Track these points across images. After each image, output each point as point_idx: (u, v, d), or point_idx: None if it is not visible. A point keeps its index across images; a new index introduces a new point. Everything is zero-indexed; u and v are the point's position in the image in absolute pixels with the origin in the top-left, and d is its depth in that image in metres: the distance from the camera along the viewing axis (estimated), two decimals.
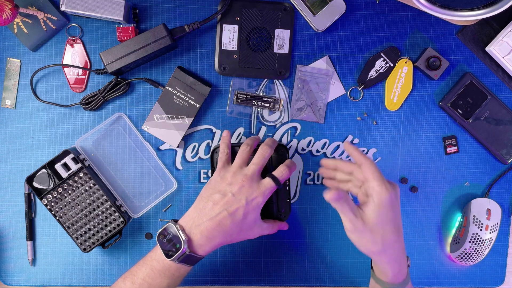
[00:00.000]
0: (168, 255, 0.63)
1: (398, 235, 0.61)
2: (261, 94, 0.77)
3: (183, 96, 0.74)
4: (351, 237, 0.61)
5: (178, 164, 0.78)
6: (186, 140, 0.78)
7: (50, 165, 0.73)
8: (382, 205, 0.58)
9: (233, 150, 0.71)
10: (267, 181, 0.66)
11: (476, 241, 0.78)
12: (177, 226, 0.64)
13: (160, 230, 0.65)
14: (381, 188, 0.58)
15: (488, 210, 0.79)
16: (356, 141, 0.79)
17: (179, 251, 0.62)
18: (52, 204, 0.74)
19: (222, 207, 0.63)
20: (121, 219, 0.75)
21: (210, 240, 0.63)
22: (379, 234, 0.59)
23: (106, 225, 0.75)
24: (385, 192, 0.58)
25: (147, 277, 0.64)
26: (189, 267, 0.66)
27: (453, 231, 0.82)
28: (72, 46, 0.75)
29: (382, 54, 0.77)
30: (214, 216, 0.63)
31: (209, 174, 0.79)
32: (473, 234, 0.78)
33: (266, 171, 0.68)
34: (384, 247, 0.60)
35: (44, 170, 0.73)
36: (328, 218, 0.81)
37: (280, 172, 0.67)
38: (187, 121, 0.75)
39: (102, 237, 0.75)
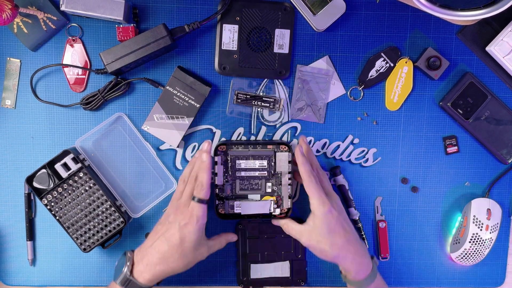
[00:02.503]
0: (115, 278, 0.68)
1: (347, 238, 0.69)
2: (261, 94, 0.77)
3: (183, 96, 0.74)
4: (308, 248, 0.71)
5: (178, 164, 0.78)
6: (186, 140, 0.78)
7: (50, 165, 0.73)
8: (322, 218, 0.68)
9: (229, 147, 0.75)
10: (192, 203, 0.67)
11: (476, 241, 0.78)
12: (129, 252, 0.68)
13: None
14: (319, 203, 0.67)
15: (488, 210, 0.78)
16: (356, 141, 0.79)
17: (122, 273, 0.66)
18: (52, 204, 0.74)
19: (160, 234, 0.67)
20: (121, 219, 0.75)
21: (150, 267, 0.66)
22: (328, 242, 0.68)
23: (106, 225, 0.75)
24: (322, 207, 0.67)
25: None
26: None
27: (453, 231, 0.82)
28: (72, 46, 0.75)
29: (382, 54, 0.76)
30: (153, 242, 0.67)
31: None
32: (473, 234, 0.78)
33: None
34: (336, 252, 0.68)
35: (44, 170, 0.73)
36: None
37: (197, 190, 0.68)
38: (187, 121, 0.75)
39: (102, 237, 0.75)
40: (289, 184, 0.74)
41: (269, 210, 0.74)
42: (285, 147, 0.74)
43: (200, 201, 0.67)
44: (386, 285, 0.74)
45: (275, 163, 0.74)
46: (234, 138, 0.78)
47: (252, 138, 0.78)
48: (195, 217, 0.66)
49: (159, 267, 0.66)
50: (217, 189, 0.74)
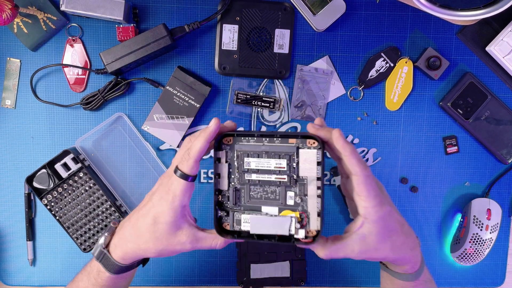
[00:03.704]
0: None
1: (404, 232, 0.55)
2: (261, 94, 0.77)
3: (183, 96, 0.74)
4: (361, 258, 0.54)
5: None
6: None
7: (50, 165, 0.73)
8: (379, 221, 0.51)
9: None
10: (173, 176, 0.53)
11: (476, 241, 0.78)
12: (112, 222, 0.60)
13: None
14: (375, 204, 0.50)
15: (488, 210, 0.78)
16: (356, 141, 0.79)
17: (97, 244, 0.58)
18: (52, 204, 0.74)
19: (139, 207, 0.57)
20: (121, 219, 0.75)
21: (122, 242, 0.57)
22: (388, 247, 0.53)
23: (106, 225, 0.75)
24: (380, 209, 0.50)
25: (77, 276, 0.61)
26: (109, 276, 0.58)
27: (454, 231, 0.82)
28: (72, 46, 0.75)
29: (382, 54, 0.76)
30: (132, 215, 0.57)
31: (209, 174, 0.79)
32: (473, 234, 0.78)
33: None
34: (398, 253, 0.55)
35: (44, 170, 0.73)
36: (328, 217, 0.81)
37: (182, 160, 0.53)
38: (187, 121, 0.75)
39: None
40: (318, 196, 0.52)
41: (289, 231, 0.52)
42: (313, 142, 0.52)
43: (182, 175, 0.52)
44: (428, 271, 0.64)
45: (297, 164, 0.52)
46: None
47: None
48: (171, 194, 0.53)
49: (130, 245, 0.56)
50: (219, 196, 0.54)
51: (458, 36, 0.78)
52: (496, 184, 0.81)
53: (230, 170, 0.54)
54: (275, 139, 0.53)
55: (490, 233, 0.78)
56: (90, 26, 0.75)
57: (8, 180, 0.77)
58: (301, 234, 0.52)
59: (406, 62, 0.77)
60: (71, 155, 0.73)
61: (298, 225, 0.52)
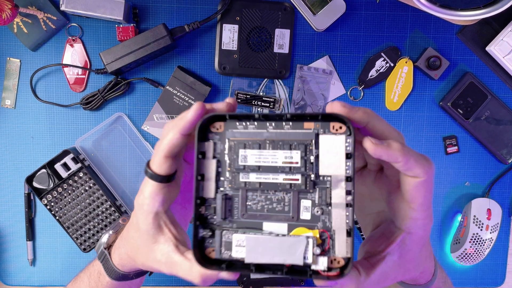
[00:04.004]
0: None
1: (429, 247, 0.45)
2: (261, 94, 0.77)
3: (183, 96, 0.74)
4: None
5: None
6: None
7: (50, 165, 0.73)
8: (424, 240, 0.40)
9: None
10: (145, 177, 0.42)
11: (477, 241, 0.78)
12: (121, 218, 0.57)
13: None
14: (425, 216, 0.38)
15: (489, 210, 0.78)
16: None
17: (100, 243, 0.53)
18: (52, 204, 0.74)
19: None
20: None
21: (119, 244, 0.49)
22: (419, 265, 0.43)
23: (106, 225, 0.75)
24: (429, 223, 0.39)
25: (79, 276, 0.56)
26: (109, 282, 0.51)
27: (454, 231, 0.82)
28: (72, 45, 0.75)
29: (382, 53, 0.76)
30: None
31: None
32: (474, 234, 0.78)
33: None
34: (421, 268, 0.45)
35: (44, 170, 0.73)
36: None
37: (152, 156, 0.41)
38: None
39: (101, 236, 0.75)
40: (348, 205, 0.36)
41: (305, 259, 0.36)
42: (339, 127, 0.36)
43: (151, 175, 0.40)
44: (444, 271, 0.54)
45: (317, 157, 0.37)
46: None
47: None
48: (141, 198, 0.41)
49: (123, 250, 0.48)
50: (202, 207, 0.38)
51: (458, 36, 0.77)
52: (496, 184, 0.81)
53: (219, 169, 0.38)
54: (284, 123, 0.37)
55: (490, 233, 0.78)
56: (90, 26, 0.75)
57: (8, 180, 0.77)
58: (322, 263, 0.35)
59: (406, 62, 0.77)
60: (71, 155, 0.73)
61: (318, 250, 0.35)
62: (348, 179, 0.36)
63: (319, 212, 0.37)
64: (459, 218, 0.81)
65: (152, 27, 0.71)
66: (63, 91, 0.76)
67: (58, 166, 0.73)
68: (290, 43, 0.76)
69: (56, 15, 0.73)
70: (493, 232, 0.78)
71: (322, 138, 0.37)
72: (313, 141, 0.37)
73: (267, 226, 0.38)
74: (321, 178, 0.37)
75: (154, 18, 0.75)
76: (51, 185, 0.73)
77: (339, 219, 0.36)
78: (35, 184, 0.73)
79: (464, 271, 0.83)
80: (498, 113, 0.78)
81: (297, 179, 0.37)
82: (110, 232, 0.52)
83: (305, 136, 0.37)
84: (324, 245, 0.36)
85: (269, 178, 0.38)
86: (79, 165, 0.73)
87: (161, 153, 0.39)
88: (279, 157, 0.37)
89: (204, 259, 0.38)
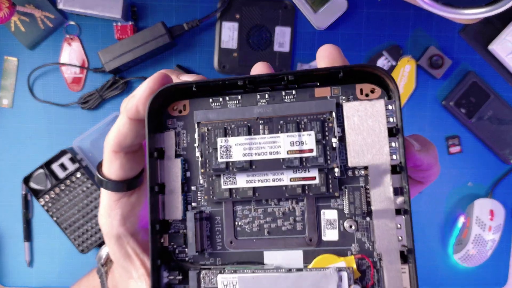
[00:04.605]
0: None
1: None
2: None
3: None
4: None
5: None
6: None
7: (47, 165, 0.72)
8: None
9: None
10: None
11: (479, 242, 0.77)
12: None
13: None
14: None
15: (491, 210, 0.78)
16: None
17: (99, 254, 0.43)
18: (50, 204, 0.73)
19: None
20: None
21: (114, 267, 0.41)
22: None
23: None
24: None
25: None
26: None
27: (456, 232, 0.81)
28: (69, 44, 0.74)
29: (384, 52, 0.76)
30: None
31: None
32: (476, 235, 0.77)
33: None
34: None
35: (41, 170, 0.73)
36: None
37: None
38: None
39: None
40: (401, 212, 0.24)
41: None
42: (370, 89, 0.25)
43: (100, 181, 0.29)
44: None
45: (342, 140, 0.25)
46: None
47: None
48: (99, 220, 0.31)
49: (116, 272, 0.38)
50: (165, 237, 0.26)
51: (460, 34, 0.77)
52: (499, 184, 0.80)
53: (188, 173, 0.26)
54: (283, 92, 0.25)
55: (493, 234, 0.78)
56: (88, 25, 0.74)
57: (5, 180, 0.76)
58: None
59: (408, 61, 0.76)
60: (69, 155, 0.72)
61: None
62: (396, 168, 0.24)
63: (352, 228, 0.24)
64: (461, 218, 0.81)
65: (150, 26, 0.71)
66: (61, 90, 0.75)
67: (55, 166, 0.72)
68: (290, 41, 0.75)
69: (54, 14, 0.72)
70: (495, 233, 0.78)
71: (348, 107, 0.24)
72: (334, 114, 0.24)
73: (271, 256, 0.24)
74: (351, 172, 0.24)
75: (153, 16, 0.74)
76: (49, 186, 0.73)
77: (387, 236, 0.23)
78: (32, 185, 0.73)
79: (466, 272, 0.82)
80: (501, 113, 0.77)
81: (314, 177, 0.24)
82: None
83: (320, 107, 0.24)
84: (365, 279, 0.23)
85: (268, 180, 0.24)
86: (77, 165, 0.72)
87: (107, 148, 0.28)
88: (282, 143, 0.24)
89: None
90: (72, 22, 0.74)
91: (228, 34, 0.74)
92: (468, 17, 0.64)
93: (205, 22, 0.73)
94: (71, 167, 0.72)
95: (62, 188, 0.73)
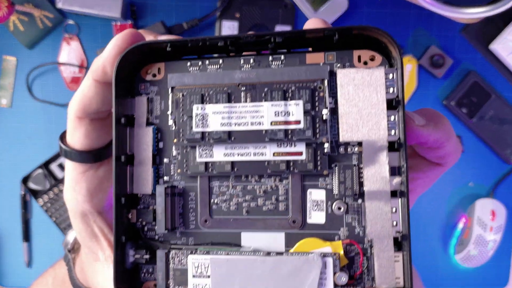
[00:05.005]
0: None
1: None
2: None
3: None
4: None
5: None
6: None
7: (46, 165, 0.72)
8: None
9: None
10: None
11: (480, 243, 0.77)
12: None
13: None
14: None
15: (493, 211, 0.77)
16: None
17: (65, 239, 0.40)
18: (48, 204, 0.73)
19: None
20: None
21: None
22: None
23: None
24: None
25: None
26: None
27: (457, 232, 0.81)
28: (68, 43, 0.74)
29: None
30: None
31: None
32: (477, 235, 0.77)
33: None
34: None
35: (40, 170, 0.72)
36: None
37: None
38: None
39: None
40: (396, 194, 0.21)
41: None
42: (369, 56, 0.22)
43: (65, 151, 0.28)
44: None
45: (334, 111, 0.22)
46: None
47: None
48: (64, 195, 0.28)
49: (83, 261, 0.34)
50: (132, 213, 0.24)
51: (461, 34, 0.76)
52: (501, 184, 0.80)
53: (160, 144, 0.24)
54: (271, 58, 0.23)
55: (494, 234, 0.77)
56: (87, 24, 0.74)
57: (3, 180, 0.76)
58: None
59: (409, 60, 0.76)
60: None
61: (344, 278, 0.21)
62: (394, 145, 0.21)
63: (341, 210, 0.21)
64: (462, 219, 0.80)
65: (150, 25, 0.70)
66: (60, 90, 0.75)
67: (54, 166, 0.72)
68: None
69: (53, 13, 0.72)
70: (497, 233, 0.77)
71: (343, 75, 0.21)
72: (326, 82, 0.21)
73: (249, 238, 0.22)
74: (343, 148, 0.22)
75: (152, 15, 0.74)
76: (48, 186, 0.72)
77: (380, 220, 0.21)
78: (31, 185, 0.73)
79: (467, 272, 0.82)
80: (502, 112, 0.77)
81: (300, 153, 0.21)
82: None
83: (311, 74, 0.21)
84: (353, 267, 0.21)
85: (249, 153, 0.22)
86: None
87: (71, 113, 0.26)
88: (266, 113, 0.21)
89: None
90: (71, 22, 0.73)
91: (228, 33, 0.74)
92: (469, 16, 0.64)
93: (205, 21, 0.73)
94: None
95: (61, 188, 0.72)
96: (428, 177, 0.27)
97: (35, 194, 0.73)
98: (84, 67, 0.73)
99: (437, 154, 0.26)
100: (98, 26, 0.74)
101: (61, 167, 0.72)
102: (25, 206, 0.75)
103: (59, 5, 0.69)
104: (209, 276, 0.21)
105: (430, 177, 0.27)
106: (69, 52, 0.74)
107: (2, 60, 0.74)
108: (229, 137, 0.22)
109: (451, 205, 0.80)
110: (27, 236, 0.76)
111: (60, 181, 0.72)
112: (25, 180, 0.73)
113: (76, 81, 0.74)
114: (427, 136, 0.23)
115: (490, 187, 0.80)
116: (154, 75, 0.24)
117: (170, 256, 0.22)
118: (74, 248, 0.36)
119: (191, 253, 0.22)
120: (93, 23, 0.74)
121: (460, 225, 0.80)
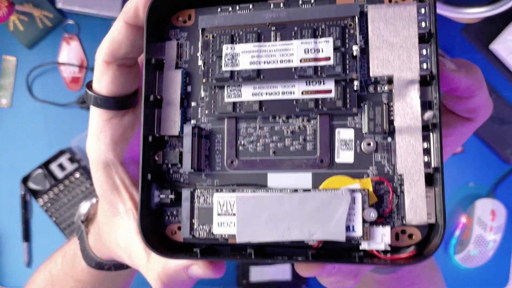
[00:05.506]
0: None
1: None
2: None
3: None
4: None
5: None
6: None
7: (46, 165, 0.72)
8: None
9: None
10: None
11: (480, 243, 0.77)
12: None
13: None
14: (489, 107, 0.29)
15: (493, 211, 0.77)
16: None
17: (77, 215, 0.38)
18: (48, 205, 0.73)
19: None
20: None
21: (96, 220, 0.36)
22: None
23: None
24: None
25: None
26: (84, 269, 0.36)
27: (457, 232, 0.81)
28: (68, 43, 0.74)
29: None
30: None
31: None
32: (477, 235, 0.77)
33: None
34: None
35: (40, 170, 0.72)
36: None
37: None
38: None
39: None
40: (428, 128, 0.21)
41: (348, 231, 0.20)
42: None
43: (91, 98, 0.28)
44: None
45: (365, 48, 0.22)
46: None
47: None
48: (87, 146, 0.30)
49: (98, 227, 0.33)
50: (159, 154, 0.24)
51: (462, 33, 0.77)
52: (501, 184, 0.80)
53: (189, 87, 0.24)
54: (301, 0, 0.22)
55: (494, 234, 0.77)
56: (87, 24, 0.74)
57: (3, 180, 0.76)
58: (381, 239, 0.20)
59: None
60: (68, 155, 0.72)
61: (372, 214, 0.20)
62: (426, 79, 0.21)
63: (371, 145, 0.21)
64: (462, 219, 0.80)
65: None
66: (60, 89, 0.75)
67: (54, 166, 0.72)
68: None
69: (53, 13, 0.72)
70: (497, 233, 0.78)
71: (374, 11, 0.21)
72: (357, 19, 0.21)
73: (276, 179, 0.21)
74: (372, 87, 0.21)
75: None
76: (47, 186, 0.72)
77: (411, 156, 0.19)
78: (30, 185, 0.73)
79: (467, 273, 0.82)
80: (503, 112, 0.77)
81: (329, 90, 0.21)
82: (94, 200, 0.36)
83: (341, 11, 0.21)
84: (383, 206, 0.20)
85: (277, 92, 0.21)
86: (76, 165, 0.72)
87: (99, 58, 0.25)
88: (295, 51, 0.21)
89: (165, 245, 0.22)
90: (71, 21, 0.73)
91: None
92: (469, 16, 0.64)
93: None
94: (70, 167, 0.72)
95: (61, 188, 0.73)
96: (459, 134, 0.27)
97: (35, 194, 0.73)
98: (84, 67, 0.73)
99: (468, 106, 0.25)
100: (98, 26, 0.74)
101: (61, 167, 0.72)
102: (25, 206, 0.75)
103: (59, 5, 0.69)
104: (234, 214, 0.21)
105: (461, 133, 0.27)
106: (69, 52, 0.74)
107: (2, 60, 0.74)
108: (257, 75, 0.21)
109: (451, 205, 0.80)
110: (27, 236, 0.76)
111: (60, 181, 0.72)
112: (25, 180, 0.73)
113: (76, 81, 0.74)
114: (458, 81, 0.22)
115: (490, 187, 0.80)
116: (185, 21, 0.24)
117: (196, 195, 0.22)
118: (88, 219, 0.35)
119: (217, 191, 0.22)
120: (93, 23, 0.74)
121: (460, 225, 0.80)
